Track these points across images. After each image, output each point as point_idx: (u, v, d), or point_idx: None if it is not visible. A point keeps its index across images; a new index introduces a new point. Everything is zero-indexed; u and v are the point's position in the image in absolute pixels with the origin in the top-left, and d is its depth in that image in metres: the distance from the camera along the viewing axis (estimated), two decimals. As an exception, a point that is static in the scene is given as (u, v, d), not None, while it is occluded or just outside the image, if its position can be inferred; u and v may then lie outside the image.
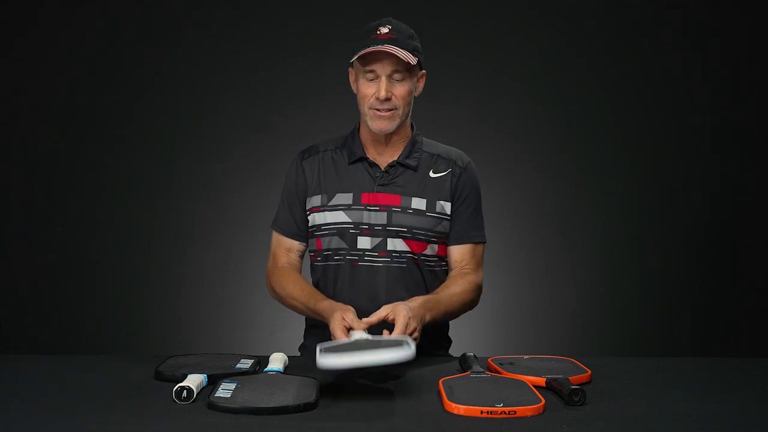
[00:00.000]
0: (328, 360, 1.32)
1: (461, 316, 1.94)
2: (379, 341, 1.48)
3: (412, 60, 1.84)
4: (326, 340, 1.85)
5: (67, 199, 3.56)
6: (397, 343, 1.40)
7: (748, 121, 3.57)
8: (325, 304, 1.80)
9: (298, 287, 1.93)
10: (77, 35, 3.56)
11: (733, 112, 3.57)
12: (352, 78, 1.95)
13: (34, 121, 3.57)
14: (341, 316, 1.68)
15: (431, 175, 1.96)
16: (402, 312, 1.64)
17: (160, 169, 3.57)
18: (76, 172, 3.56)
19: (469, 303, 1.93)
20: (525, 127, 3.60)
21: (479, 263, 1.99)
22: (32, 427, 1.24)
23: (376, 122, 1.89)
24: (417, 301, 1.75)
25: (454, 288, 1.89)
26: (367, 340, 1.53)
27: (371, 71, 1.86)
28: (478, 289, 1.96)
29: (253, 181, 3.48)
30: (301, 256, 2.04)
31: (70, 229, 3.55)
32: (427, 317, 1.74)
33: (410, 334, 1.62)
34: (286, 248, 2.02)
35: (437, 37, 3.54)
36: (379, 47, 1.82)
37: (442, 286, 1.91)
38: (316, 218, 1.96)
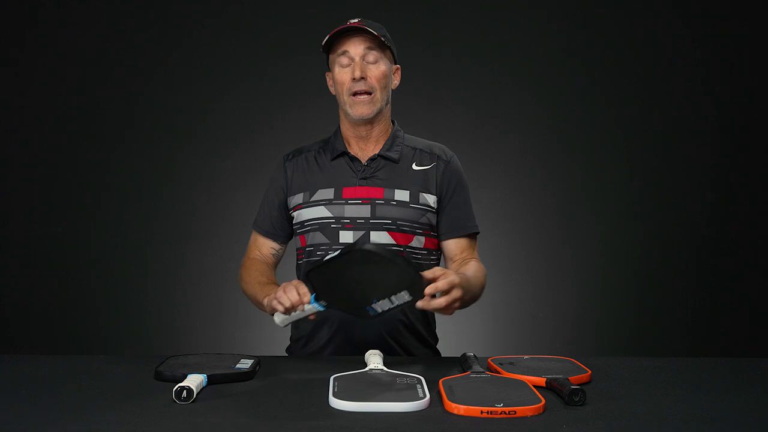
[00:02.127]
0: (341, 404, 1.32)
1: (463, 312, 1.93)
2: (395, 377, 1.48)
3: (381, 38, 1.88)
4: (303, 348, 1.88)
5: (67, 199, 3.56)
6: (411, 387, 1.40)
7: (748, 122, 3.57)
8: (266, 302, 1.75)
9: (254, 283, 1.92)
10: (77, 35, 3.56)
11: (734, 112, 3.57)
12: (329, 81, 1.99)
13: (34, 121, 3.57)
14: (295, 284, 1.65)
15: (414, 167, 1.97)
16: (451, 276, 1.57)
17: (160, 169, 3.58)
18: (76, 172, 3.56)
19: (483, 287, 1.89)
20: (525, 127, 3.60)
21: (476, 253, 1.99)
22: (32, 427, 1.24)
23: (356, 108, 1.91)
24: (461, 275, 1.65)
25: (470, 271, 1.84)
26: (381, 372, 1.52)
27: (344, 52, 1.89)
28: (485, 275, 1.93)
29: (253, 181, 3.47)
30: (275, 255, 2.04)
31: (70, 229, 3.55)
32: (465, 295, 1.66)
33: (451, 302, 1.57)
34: (259, 245, 2.05)
35: (437, 37, 3.56)
36: (349, 23, 1.89)
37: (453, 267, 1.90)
38: (298, 216, 1.97)
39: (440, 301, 1.56)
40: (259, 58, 3.59)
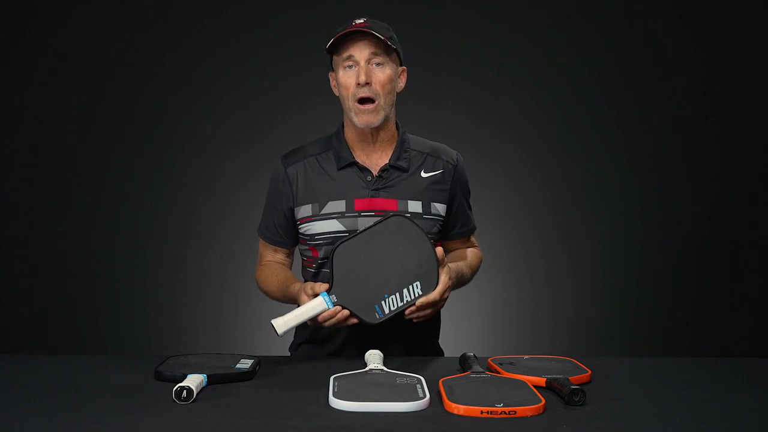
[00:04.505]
0: (341, 404, 1.32)
1: (464, 312, 1.97)
2: (395, 377, 1.47)
3: (388, 41, 1.84)
4: (312, 349, 1.90)
5: (67, 199, 3.56)
6: (411, 387, 1.40)
7: (748, 122, 3.57)
8: (297, 287, 1.80)
9: (274, 279, 1.94)
10: (77, 34, 3.56)
11: (734, 112, 3.57)
12: (332, 82, 1.95)
13: (34, 121, 3.57)
14: (310, 286, 1.72)
15: (423, 174, 1.95)
16: (441, 285, 1.71)
17: (160, 170, 3.58)
18: (76, 172, 3.56)
19: (477, 270, 2.03)
20: (525, 127, 3.61)
21: (474, 238, 2.12)
22: (32, 427, 1.24)
23: (360, 117, 1.87)
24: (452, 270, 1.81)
25: (465, 261, 1.97)
26: (381, 372, 1.52)
27: (349, 57, 1.85)
28: (480, 259, 2.07)
29: (253, 181, 3.47)
30: (288, 257, 2.05)
31: (70, 229, 3.55)
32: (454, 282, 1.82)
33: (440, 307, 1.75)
34: (270, 252, 2.04)
35: (437, 37, 3.56)
36: (355, 27, 1.85)
37: (453, 255, 1.99)
38: (308, 228, 1.93)
39: (428, 312, 1.72)
40: (259, 58, 3.59)
